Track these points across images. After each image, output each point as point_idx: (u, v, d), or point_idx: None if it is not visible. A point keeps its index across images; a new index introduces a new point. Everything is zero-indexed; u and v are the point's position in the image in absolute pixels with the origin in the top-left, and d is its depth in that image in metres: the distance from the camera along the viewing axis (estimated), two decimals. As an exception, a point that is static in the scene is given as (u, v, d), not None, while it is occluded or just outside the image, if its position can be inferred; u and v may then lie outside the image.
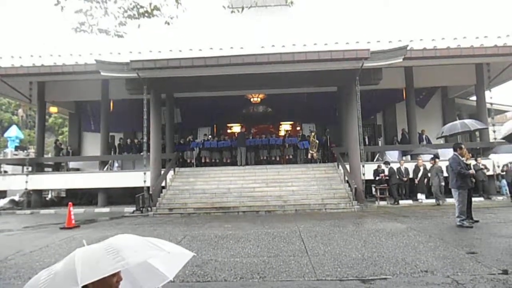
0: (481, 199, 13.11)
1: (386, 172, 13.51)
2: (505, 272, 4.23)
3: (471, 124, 10.94)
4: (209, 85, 14.09)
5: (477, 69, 15.68)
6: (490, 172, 14.05)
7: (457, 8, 17.10)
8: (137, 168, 15.87)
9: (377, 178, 13.55)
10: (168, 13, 7.79)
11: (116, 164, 17.14)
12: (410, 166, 13.93)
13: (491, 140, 15.06)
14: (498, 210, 10.45)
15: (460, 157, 7.73)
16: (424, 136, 16.61)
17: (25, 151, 21.45)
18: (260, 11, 18.52)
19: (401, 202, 12.98)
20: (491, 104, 15.67)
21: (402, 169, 13.63)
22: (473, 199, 12.84)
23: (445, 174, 13.27)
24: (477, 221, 7.86)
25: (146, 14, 7.57)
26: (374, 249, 5.62)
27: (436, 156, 13.63)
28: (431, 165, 12.99)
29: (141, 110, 13.47)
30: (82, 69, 13.68)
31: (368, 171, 13.05)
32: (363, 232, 7.24)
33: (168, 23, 7.86)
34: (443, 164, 13.48)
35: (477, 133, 19.01)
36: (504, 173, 13.61)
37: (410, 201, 13.15)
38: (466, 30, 14.12)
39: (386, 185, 13.45)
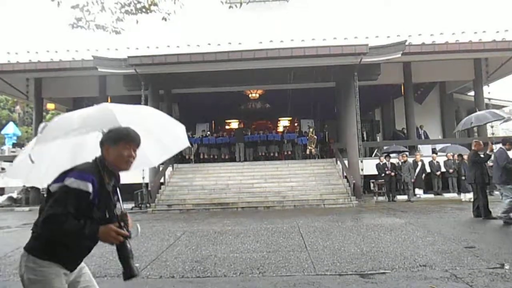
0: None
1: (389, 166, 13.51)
2: (502, 266, 4.26)
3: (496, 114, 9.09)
4: (207, 81, 14.06)
5: (476, 64, 15.68)
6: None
7: (455, 3, 17.07)
8: (135, 164, 15.82)
9: (382, 174, 13.43)
10: (166, 9, 7.74)
11: (114, 161, 17.10)
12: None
13: (489, 135, 15.10)
14: (496, 205, 10.48)
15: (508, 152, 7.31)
16: (422, 131, 16.65)
17: (23, 148, 21.36)
18: (258, 6, 18.44)
19: (399, 197, 13.01)
20: (489, 99, 15.72)
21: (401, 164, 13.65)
22: (468, 195, 12.97)
23: (428, 170, 13.44)
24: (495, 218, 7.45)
25: (144, 10, 7.51)
26: (373, 244, 5.65)
27: (434, 152, 13.67)
28: (403, 161, 12.95)
29: (139, 107, 13.41)
30: (79, 65, 13.61)
31: (366, 166, 13.06)
32: (361, 227, 7.27)
33: (165, 19, 7.80)
34: (440, 160, 13.58)
35: (475, 128, 19.09)
36: None
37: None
38: (465, 25, 14.12)
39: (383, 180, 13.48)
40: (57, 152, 1.96)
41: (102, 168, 1.82)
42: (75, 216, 1.67)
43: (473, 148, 8.35)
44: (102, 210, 1.81)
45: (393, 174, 12.85)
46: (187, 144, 2.31)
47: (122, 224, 1.82)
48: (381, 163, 13.22)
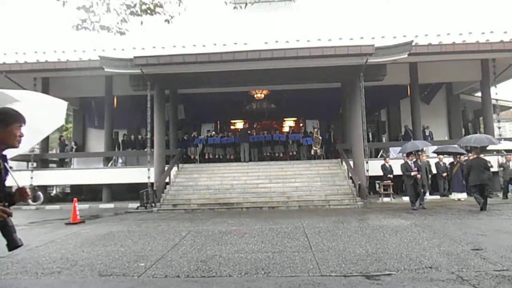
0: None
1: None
2: (509, 268, 4.22)
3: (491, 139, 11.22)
4: (212, 81, 14.08)
5: (483, 65, 15.53)
6: (495, 169, 13.94)
7: (462, 3, 16.95)
8: (141, 164, 15.91)
9: (389, 175, 13.41)
10: (171, 10, 7.76)
11: (120, 160, 17.20)
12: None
13: (496, 136, 14.94)
14: (503, 206, 10.40)
15: None
16: (428, 132, 16.52)
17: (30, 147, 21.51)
18: (263, 6, 18.43)
19: (404, 198, 12.93)
20: (497, 100, 15.54)
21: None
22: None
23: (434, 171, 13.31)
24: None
25: (149, 11, 7.54)
26: (378, 245, 5.62)
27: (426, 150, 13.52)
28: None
29: (145, 106, 13.49)
30: (86, 65, 13.71)
31: (372, 167, 13.00)
32: (367, 228, 7.23)
33: (168, 22, 7.82)
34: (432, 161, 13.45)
35: (482, 129, 18.92)
36: (502, 168, 13.24)
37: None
38: (472, 26, 14.00)
39: (390, 181, 13.41)
40: None
41: None
42: None
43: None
44: None
45: (419, 175, 10.76)
46: (62, 122, 2.42)
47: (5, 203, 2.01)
48: (409, 162, 11.03)
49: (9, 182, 2.12)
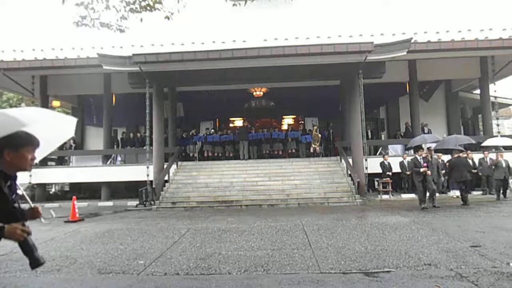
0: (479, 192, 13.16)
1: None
2: (508, 264, 4.23)
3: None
4: (211, 79, 14.06)
5: (482, 62, 15.55)
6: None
7: (461, 0, 16.92)
8: (140, 162, 15.88)
9: (388, 173, 13.42)
10: (170, 7, 7.73)
11: (119, 158, 17.18)
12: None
13: (495, 134, 14.98)
14: (501, 203, 10.43)
15: None
16: (426, 130, 16.53)
17: None
18: (263, 3, 18.33)
19: (403, 195, 12.97)
20: (495, 97, 15.56)
21: (405, 162, 13.60)
22: (474, 193, 12.95)
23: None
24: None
25: (148, 8, 7.51)
26: (377, 243, 5.63)
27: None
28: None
29: (144, 104, 13.46)
30: (84, 63, 13.66)
31: (371, 165, 13.01)
32: (366, 226, 7.25)
33: (168, 18, 7.79)
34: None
35: (480, 127, 18.96)
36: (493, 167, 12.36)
37: (412, 195, 13.12)
38: (471, 23, 13.97)
39: (389, 178, 13.43)
40: None
41: None
42: None
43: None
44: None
45: (429, 172, 9.92)
46: (71, 135, 2.39)
47: (25, 222, 2.01)
48: (418, 158, 10.22)
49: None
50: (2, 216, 1.94)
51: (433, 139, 11.87)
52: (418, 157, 10.10)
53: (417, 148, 11.23)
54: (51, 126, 2.22)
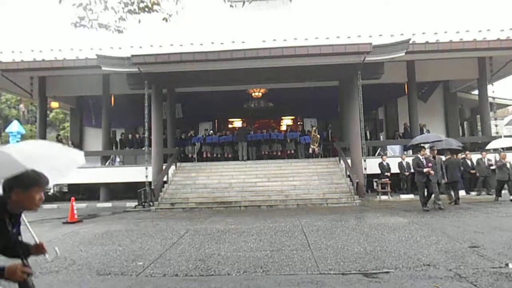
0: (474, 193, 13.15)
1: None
2: (507, 265, 4.24)
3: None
4: (210, 80, 14.05)
5: (480, 63, 15.58)
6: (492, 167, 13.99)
7: (459, 1, 16.96)
8: (138, 163, 15.86)
9: (386, 173, 13.44)
10: (168, 8, 7.73)
11: (117, 159, 17.15)
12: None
13: (493, 134, 15.02)
14: (500, 204, 10.45)
15: None
16: (425, 131, 16.55)
17: None
18: (261, 5, 18.37)
19: (402, 196, 12.97)
20: (493, 98, 15.60)
21: (404, 163, 13.61)
22: (472, 193, 12.95)
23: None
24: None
25: (147, 9, 7.51)
26: (376, 243, 5.64)
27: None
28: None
29: (143, 105, 13.45)
30: (83, 64, 13.63)
31: (369, 165, 13.02)
32: (365, 226, 7.25)
33: (166, 20, 7.79)
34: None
35: (479, 127, 19.00)
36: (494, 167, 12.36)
37: (411, 195, 13.14)
38: (469, 24, 14.01)
39: (387, 179, 13.44)
40: None
41: (3, 212, 1.92)
42: None
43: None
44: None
45: (432, 172, 9.54)
46: (82, 162, 2.33)
47: (26, 262, 1.98)
48: (421, 157, 9.92)
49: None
50: (5, 251, 1.96)
51: (436, 138, 11.77)
52: (420, 157, 9.84)
53: (417, 148, 11.14)
54: (57, 159, 2.18)
